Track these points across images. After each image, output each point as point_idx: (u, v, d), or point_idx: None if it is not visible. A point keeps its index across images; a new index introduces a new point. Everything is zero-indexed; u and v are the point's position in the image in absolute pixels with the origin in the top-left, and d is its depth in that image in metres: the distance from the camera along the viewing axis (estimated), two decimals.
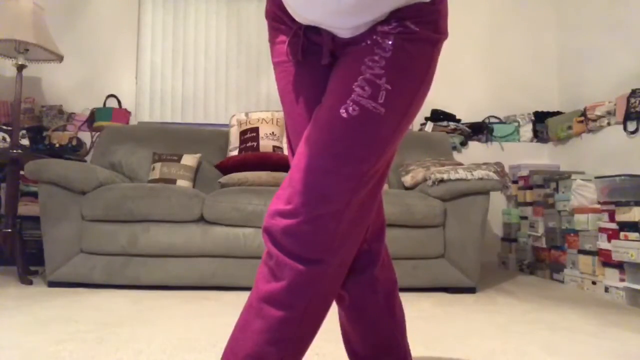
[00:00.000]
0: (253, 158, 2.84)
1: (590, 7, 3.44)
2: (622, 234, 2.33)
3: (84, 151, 3.46)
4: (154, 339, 1.54)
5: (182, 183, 2.84)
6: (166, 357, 1.38)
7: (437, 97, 3.79)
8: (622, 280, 2.34)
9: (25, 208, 3.15)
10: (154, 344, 1.49)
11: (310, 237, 0.73)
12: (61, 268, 2.40)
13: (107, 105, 3.72)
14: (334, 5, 0.77)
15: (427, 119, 3.72)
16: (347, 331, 0.99)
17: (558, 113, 3.66)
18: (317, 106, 0.85)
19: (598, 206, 2.59)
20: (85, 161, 3.29)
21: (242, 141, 3.05)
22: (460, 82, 3.84)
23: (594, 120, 3.14)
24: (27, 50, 2.91)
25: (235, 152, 3.06)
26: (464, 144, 3.69)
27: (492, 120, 3.80)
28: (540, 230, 3.07)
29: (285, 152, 2.98)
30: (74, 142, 3.36)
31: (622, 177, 2.46)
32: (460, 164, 2.75)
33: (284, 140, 3.06)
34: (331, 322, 1.73)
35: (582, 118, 3.27)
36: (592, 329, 1.82)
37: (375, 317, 0.94)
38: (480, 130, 3.71)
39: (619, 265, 2.35)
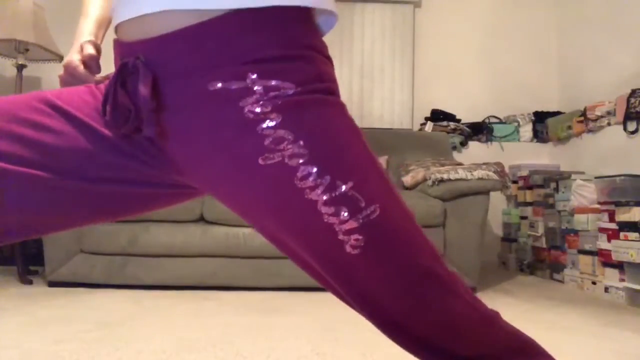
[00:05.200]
0: None
1: (590, 7, 3.44)
2: (622, 234, 2.33)
3: None
4: (154, 339, 1.54)
5: None
6: (166, 357, 1.38)
7: (437, 97, 3.79)
8: (622, 280, 2.34)
9: None
10: (154, 344, 1.49)
11: None
12: (61, 268, 2.39)
13: None
14: None
15: (427, 119, 3.72)
16: None
17: (558, 113, 3.66)
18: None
19: (598, 206, 2.59)
20: None
21: None
22: (460, 82, 3.84)
23: (594, 120, 3.14)
24: (27, 50, 2.91)
25: None
26: (464, 144, 3.69)
27: (492, 120, 3.80)
28: (540, 230, 3.07)
29: None
30: None
31: (622, 177, 2.46)
32: (460, 164, 2.75)
33: None
34: (331, 322, 1.73)
35: (582, 118, 3.26)
36: (592, 329, 1.82)
37: None
38: (480, 130, 3.71)
39: (619, 265, 2.35)
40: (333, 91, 0.59)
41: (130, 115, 0.58)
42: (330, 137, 0.56)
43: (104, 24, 0.82)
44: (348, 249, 0.56)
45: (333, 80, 0.60)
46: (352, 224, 0.55)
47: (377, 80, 3.75)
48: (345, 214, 0.55)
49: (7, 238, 0.62)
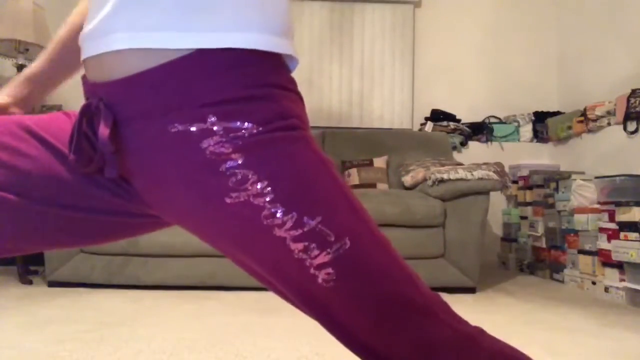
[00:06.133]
0: None
1: (590, 7, 3.44)
2: (622, 234, 2.33)
3: None
4: (154, 339, 1.54)
5: None
6: (166, 357, 1.38)
7: (437, 97, 3.79)
8: (622, 280, 2.34)
9: None
10: (154, 344, 1.49)
11: None
12: (61, 268, 2.39)
13: None
14: None
15: (427, 119, 3.72)
16: None
17: (558, 113, 3.66)
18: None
19: (598, 206, 2.59)
20: None
21: None
22: (460, 82, 3.84)
23: (594, 120, 3.14)
24: (27, 50, 2.91)
25: None
26: (464, 144, 3.69)
27: (492, 120, 3.80)
28: (540, 230, 3.07)
29: None
30: None
31: (622, 177, 2.46)
32: (460, 164, 2.75)
33: None
34: None
35: (582, 118, 3.26)
36: (592, 329, 1.82)
37: None
38: (480, 130, 3.71)
39: (619, 265, 2.35)
40: (297, 126, 0.58)
41: (95, 156, 0.58)
42: (294, 173, 0.55)
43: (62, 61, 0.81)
44: (320, 282, 0.56)
45: (297, 116, 0.58)
46: (323, 259, 0.55)
47: (377, 80, 3.75)
48: (315, 249, 0.55)
49: None
